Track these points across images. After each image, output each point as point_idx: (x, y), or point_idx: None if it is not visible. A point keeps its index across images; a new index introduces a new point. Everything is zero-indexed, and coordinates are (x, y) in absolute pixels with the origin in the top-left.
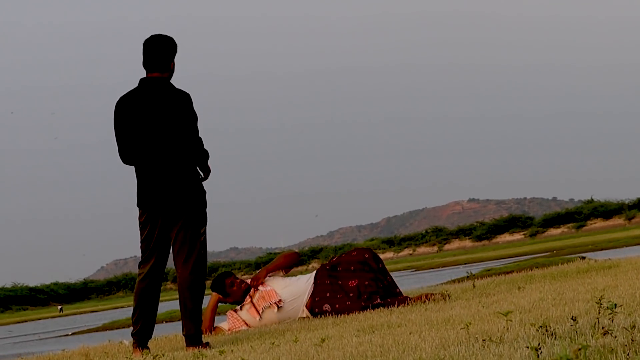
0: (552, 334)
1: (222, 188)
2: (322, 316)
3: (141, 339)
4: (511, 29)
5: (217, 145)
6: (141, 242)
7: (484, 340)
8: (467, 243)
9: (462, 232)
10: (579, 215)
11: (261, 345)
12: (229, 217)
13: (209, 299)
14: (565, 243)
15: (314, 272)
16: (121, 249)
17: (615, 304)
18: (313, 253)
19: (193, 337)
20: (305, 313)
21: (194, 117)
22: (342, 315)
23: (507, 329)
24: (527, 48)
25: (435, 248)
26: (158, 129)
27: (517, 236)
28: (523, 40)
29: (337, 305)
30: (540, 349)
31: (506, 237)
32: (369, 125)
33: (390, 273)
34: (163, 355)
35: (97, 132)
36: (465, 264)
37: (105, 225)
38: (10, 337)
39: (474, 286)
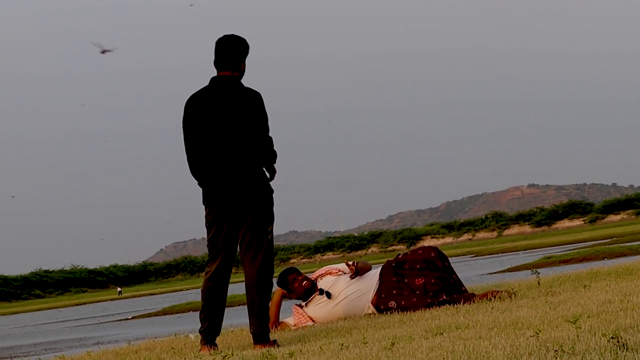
0: (623, 345)
1: (283, 170)
2: (388, 313)
3: (209, 336)
4: (588, 15)
5: (280, 127)
6: (208, 240)
7: (555, 351)
8: (527, 229)
9: (521, 218)
10: (639, 202)
11: (329, 346)
12: (289, 200)
13: (273, 294)
14: (625, 230)
15: (379, 268)
16: (180, 232)
17: None
18: (372, 237)
19: (260, 335)
20: (371, 309)
21: (264, 116)
22: (408, 312)
23: (578, 336)
24: (600, 35)
25: (495, 233)
26: (228, 127)
27: (577, 222)
28: (598, 26)
29: (403, 302)
30: None
31: (566, 223)
32: (430, 109)
33: (450, 258)
34: (232, 354)
35: (161, 117)
36: (525, 250)
37: (165, 209)
38: (70, 320)
39: (539, 284)
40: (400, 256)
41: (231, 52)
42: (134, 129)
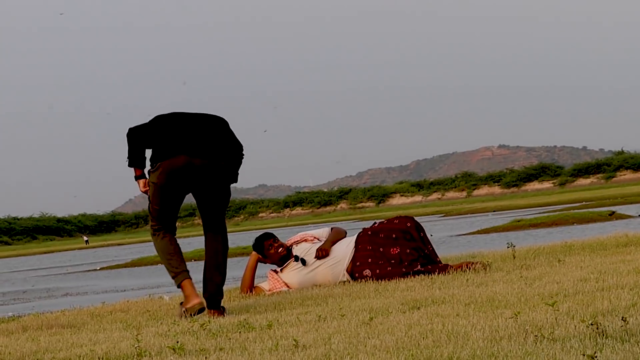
0: (602, 333)
1: (253, 124)
2: (363, 281)
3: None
4: None
5: (248, 82)
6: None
7: (535, 335)
8: (496, 189)
9: (491, 179)
10: (609, 166)
11: (306, 316)
12: (259, 154)
13: (249, 259)
14: (594, 194)
15: (355, 236)
16: None
17: None
18: (341, 194)
19: (218, 302)
20: (346, 277)
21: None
22: (383, 281)
23: (556, 319)
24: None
25: (464, 193)
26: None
27: (547, 185)
28: None
29: (377, 271)
30: (596, 357)
31: (535, 185)
32: (403, 66)
33: (418, 217)
34: (209, 322)
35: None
36: (494, 211)
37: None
38: (38, 269)
39: (514, 257)
40: (376, 224)
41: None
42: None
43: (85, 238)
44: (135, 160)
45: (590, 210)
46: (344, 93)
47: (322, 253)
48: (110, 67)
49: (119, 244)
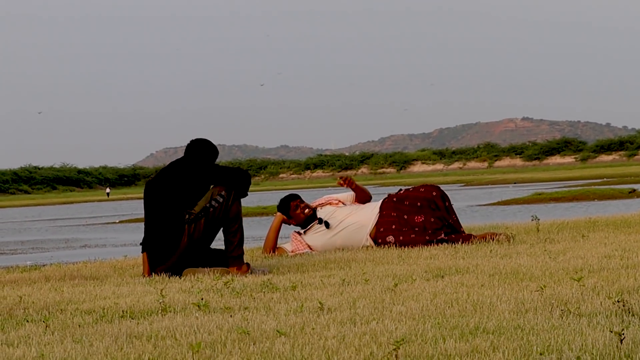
0: (629, 310)
1: (280, 85)
2: (386, 247)
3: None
4: None
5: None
6: None
7: (562, 310)
8: (518, 161)
9: (513, 150)
10: (632, 144)
11: (330, 279)
12: (283, 114)
13: (273, 220)
14: (615, 171)
15: (379, 202)
16: (172, 137)
17: None
18: (363, 158)
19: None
20: (369, 242)
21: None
22: (406, 248)
23: (582, 295)
24: None
25: (486, 164)
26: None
27: (568, 159)
28: None
29: (401, 238)
30: (623, 334)
31: (557, 159)
32: (431, 36)
33: (440, 185)
34: (232, 280)
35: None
36: (515, 183)
37: (159, 111)
38: (58, 219)
39: (538, 230)
40: (401, 191)
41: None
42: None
43: (107, 190)
44: None
45: (611, 187)
46: (371, 56)
47: (346, 181)
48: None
49: (139, 198)
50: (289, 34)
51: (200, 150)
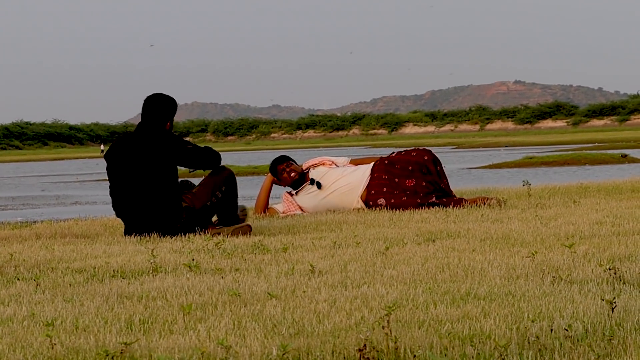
0: (620, 278)
1: (272, 46)
2: (377, 209)
3: None
4: None
5: (266, 7)
6: None
7: (553, 277)
8: (510, 125)
9: (505, 114)
10: (624, 109)
11: (321, 241)
12: (274, 73)
13: (264, 180)
14: (607, 136)
15: (371, 164)
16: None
17: None
18: (355, 119)
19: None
20: (360, 204)
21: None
22: (397, 211)
23: (573, 262)
24: None
25: (477, 127)
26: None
27: (560, 123)
28: None
29: (392, 200)
30: (614, 303)
31: (549, 123)
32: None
33: (431, 148)
34: (224, 241)
35: None
36: (507, 146)
37: (151, 68)
38: (49, 175)
39: (529, 195)
40: (394, 154)
41: (157, 111)
42: None
43: (101, 147)
44: None
45: (603, 152)
46: (363, 18)
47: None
48: None
49: None
50: None
51: (155, 108)
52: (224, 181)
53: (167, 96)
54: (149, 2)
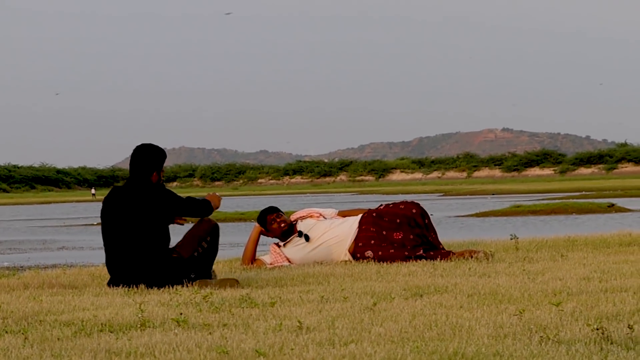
0: (607, 338)
1: (260, 91)
2: (364, 261)
3: None
4: None
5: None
6: None
7: (541, 336)
8: (497, 172)
9: (492, 161)
10: (611, 157)
11: (309, 295)
12: (262, 119)
13: (252, 231)
14: (594, 184)
15: (359, 216)
16: (151, 139)
17: None
18: (342, 166)
19: None
20: (348, 257)
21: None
22: (385, 263)
23: (561, 320)
24: None
25: (465, 174)
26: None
27: (547, 171)
28: None
29: (380, 253)
30: None
31: (536, 171)
32: (410, 44)
33: (418, 195)
34: (211, 294)
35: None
36: (494, 194)
37: (138, 113)
38: (36, 219)
39: (517, 249)
40: (382, 207)
41: (144, 162)
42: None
43: (92, 191)
44: None
45: (590, 200)
46: (351, 63)
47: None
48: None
49: None
50: (270, 38)
51: (142, 158)
52: (209, 232)
53: (154, 146)
54: (136, 47)
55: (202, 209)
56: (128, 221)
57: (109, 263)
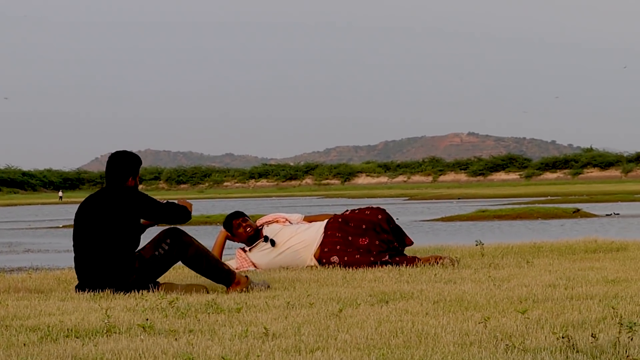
0: (573, 347)
1: (226, 95)
2: (330, 266)
3: None
4: None
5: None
6: None
7: (506, 345)
8: (462, 177)
9: (458, 165)
10: (577, 162)
11: (274, 301)
12: (228, 122)
13: (217, 236)
14: (560, 189)
15: (325, 222)
16: (117, 142)
17: (635, 322)
18: (308, 169)
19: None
20: (314, 262)
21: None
22: (351, 269)
23: (526, 328)
24: None
25: (430, 178)
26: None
27: (513, 176)
28: None
29: (345, 258)
30: None
31: (502, 176)
32: (376, 50)
33: (383, 199)
34: (177, 299)
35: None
36: (459, 198)
37: (104, 116)
38: (2, 221)
39: (482, 255)
40: (347, 212)
41: (119, 168)
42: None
43: (60, 194)
44: None
45: (556, 205)
46: (317, 68)
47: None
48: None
49: None
50: (238, 44)
51: (117, 165)
52: (169, 234)
53: (129, 152)
54: (102, 51)
55: (180, 214)
56: (101, 225)
57: (77, 267)
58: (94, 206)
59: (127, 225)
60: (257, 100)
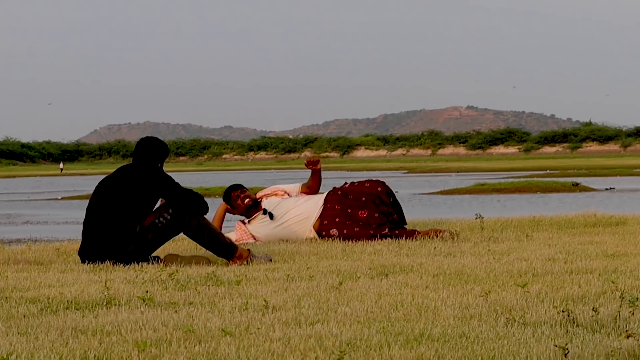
0: (573, 321)
1: (225, 66)
2: (329, 239)
3: None
4: None
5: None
6: None
7: (507, 318)
8: (461, 150)
9: (457, 139)
10: (575, 136)
11: (274, 273)
12: (227, 94)
13: (217, 208)
14: (559, 163)
15: (325, 194)
16: (116, 115)
17: (637, 297)
18: (307, 142)
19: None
20: (313, 234)
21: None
22: (350, 241)
23: (526, 302)
24: None
25: (429, 151)
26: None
27: (512, 149)
28: None
29: (345, 231)
30: (567, 349)
31: (500, 149)
32: (375, 22)
33: (382, 172)
34: (177, 272)
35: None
36: (458, 172)
37: (103, 87)
38: (2, 193)
39: (482, 228)
40: (347, 185)
41: (147, 153)
42: None
43: (60, 165)
44: None
45: (555, 179)
46: (315, 39)
47: (312, 163)
48: None
49: (81, 174)
50: (235, 15)
51: (147, 150)
52: (172, 205)
53: (160, 141)
54: (100, 22)
55: (199, 204)
56: (119, 199)
57: (84, 237)
58: (118, 180)
59: (144, 203)
60: (256, 72)
